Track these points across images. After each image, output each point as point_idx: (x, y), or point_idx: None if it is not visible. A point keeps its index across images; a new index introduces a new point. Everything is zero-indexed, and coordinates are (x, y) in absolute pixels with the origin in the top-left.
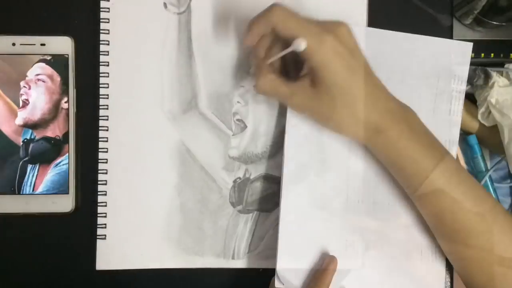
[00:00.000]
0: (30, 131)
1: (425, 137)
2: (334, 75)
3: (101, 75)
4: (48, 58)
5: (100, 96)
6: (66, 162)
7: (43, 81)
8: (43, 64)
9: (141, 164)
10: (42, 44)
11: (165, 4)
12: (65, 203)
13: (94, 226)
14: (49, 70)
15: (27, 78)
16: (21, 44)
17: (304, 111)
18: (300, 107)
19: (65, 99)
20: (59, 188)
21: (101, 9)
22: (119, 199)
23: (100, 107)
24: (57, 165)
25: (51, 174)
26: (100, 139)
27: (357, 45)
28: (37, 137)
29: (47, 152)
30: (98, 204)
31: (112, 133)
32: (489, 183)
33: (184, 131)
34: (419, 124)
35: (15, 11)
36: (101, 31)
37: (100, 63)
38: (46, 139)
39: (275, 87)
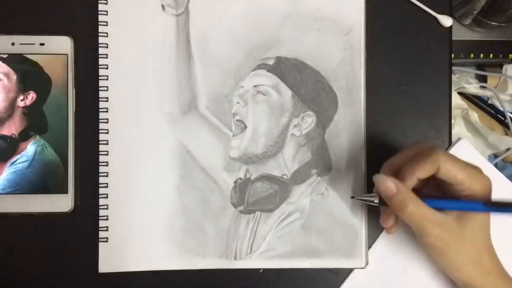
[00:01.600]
0: None
1: None
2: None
3: (100, 77)
4: (4, 56)
5: (100, 99)
6: (22, 160)
7: None
8: None
9: (141, 166)
10: (42, 44)
11: (163, 6)
12: (64, 203)
13: (94, 227)
14: (5, 68)
15: None
16: (20, 44)
17: (438, 243)
18: (438, 239)
19: (21, 97)
20: (15, 187)
21: (99, 12)
22: (120, 201)
23: (100, 110)
24: (13, 163)
25: (7, 172)
26: (100, 142)
27: None
28: None
29: (3, 151)
30: (100, 207)
31: (112, 136)
32: None
33: (184, 133)
34: None
35: (14, 11)
36: (99, 34)
37: (99, 66)
38: (2, 137)
39: (424, 214)
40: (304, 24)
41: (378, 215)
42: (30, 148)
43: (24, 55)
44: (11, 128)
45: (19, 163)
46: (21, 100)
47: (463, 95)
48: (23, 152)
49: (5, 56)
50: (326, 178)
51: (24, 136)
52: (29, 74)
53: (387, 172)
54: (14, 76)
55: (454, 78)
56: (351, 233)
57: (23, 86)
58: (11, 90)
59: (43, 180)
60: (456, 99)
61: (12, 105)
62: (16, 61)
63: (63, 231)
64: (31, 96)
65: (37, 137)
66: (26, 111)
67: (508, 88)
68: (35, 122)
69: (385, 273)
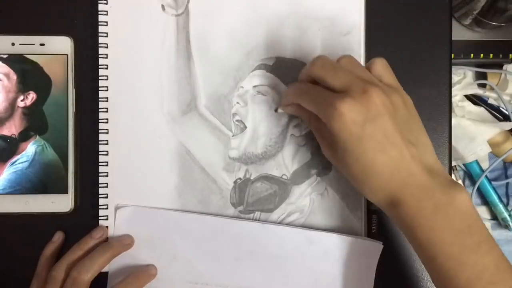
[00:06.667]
0: None
1: (458, 221)
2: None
3: (100, 77)
4: (4, 56)
5: (100, 99)
6: (22, 160)
7: None
8: None
9: (141, 166)
10: (42, 44)
11: (163, 6)
12: (64, 203)
13: (94, 227)
14: (5, 68)
15: None
16: (20, 44)
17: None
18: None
19: (21, 97)
20: (15, 187)
21: (99, 12)
22: (120, 201)
23: (100, 110)
24: (13, 163)
25: (7, 173)
26: (100, 142)
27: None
28: None
29: (3, 151)
30: (100, 207)
31: (112, 136)
32: (486, 183)
33: (184, 133)
34: (461, 206)
35: (14, 11)
36: (99, 34)
37: (99, 66)
38: (2, 137)
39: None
40: (304, 24)
41: (378, 216)
42: (30, 148)
43: (24, 55)
44: (11, 128)
45: (19, 163)
46: (21, 100)
47: (464, 95)
48: (23, 152)
49: (5, 56)
50: (326, 178)
51: (24, 136)
52: (29, 74)
53: None
54: (14, 76)
55: (454, 78)
56: (350, 234)
57: (23, 86)
58: (11, 90)
59: (43, 180)
60: (457, 99)
61: (12, 105)
62: (16, 61)
63: (63, 231)
64: (31, 96)
65: (37, 137)
66: (26, 111)
67: (508, 87)
68: (35, 122)
69: None
